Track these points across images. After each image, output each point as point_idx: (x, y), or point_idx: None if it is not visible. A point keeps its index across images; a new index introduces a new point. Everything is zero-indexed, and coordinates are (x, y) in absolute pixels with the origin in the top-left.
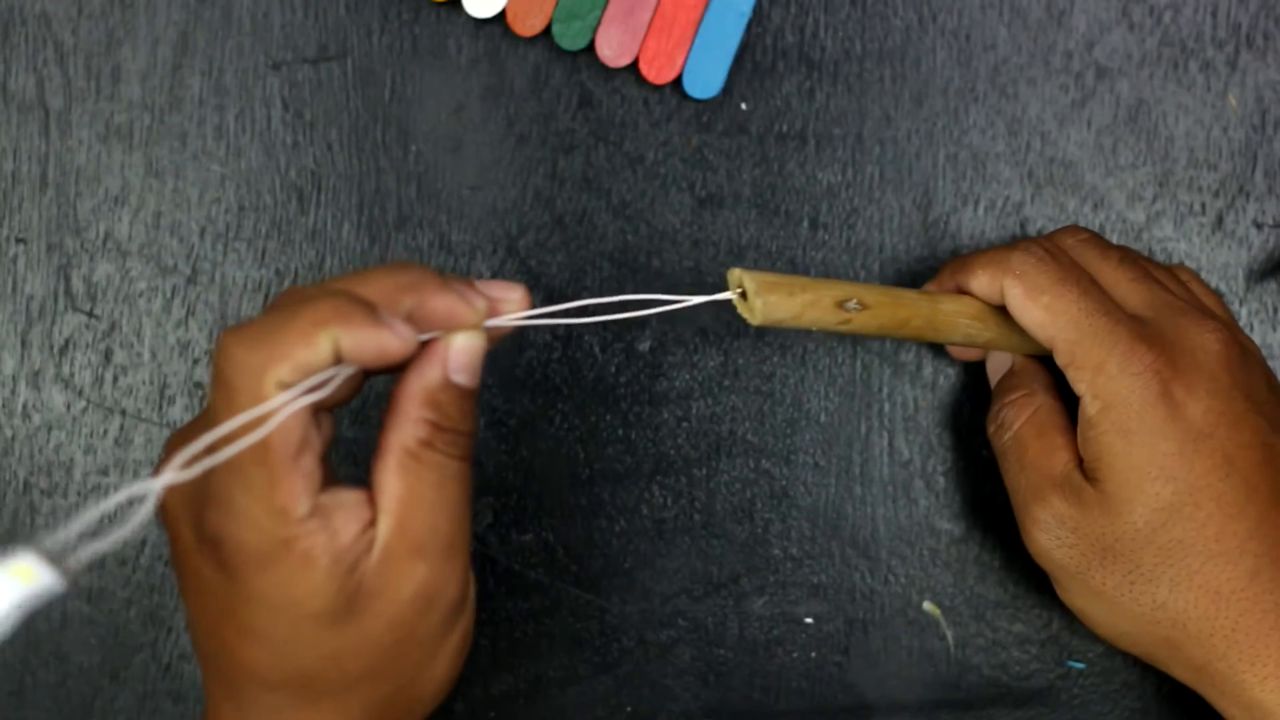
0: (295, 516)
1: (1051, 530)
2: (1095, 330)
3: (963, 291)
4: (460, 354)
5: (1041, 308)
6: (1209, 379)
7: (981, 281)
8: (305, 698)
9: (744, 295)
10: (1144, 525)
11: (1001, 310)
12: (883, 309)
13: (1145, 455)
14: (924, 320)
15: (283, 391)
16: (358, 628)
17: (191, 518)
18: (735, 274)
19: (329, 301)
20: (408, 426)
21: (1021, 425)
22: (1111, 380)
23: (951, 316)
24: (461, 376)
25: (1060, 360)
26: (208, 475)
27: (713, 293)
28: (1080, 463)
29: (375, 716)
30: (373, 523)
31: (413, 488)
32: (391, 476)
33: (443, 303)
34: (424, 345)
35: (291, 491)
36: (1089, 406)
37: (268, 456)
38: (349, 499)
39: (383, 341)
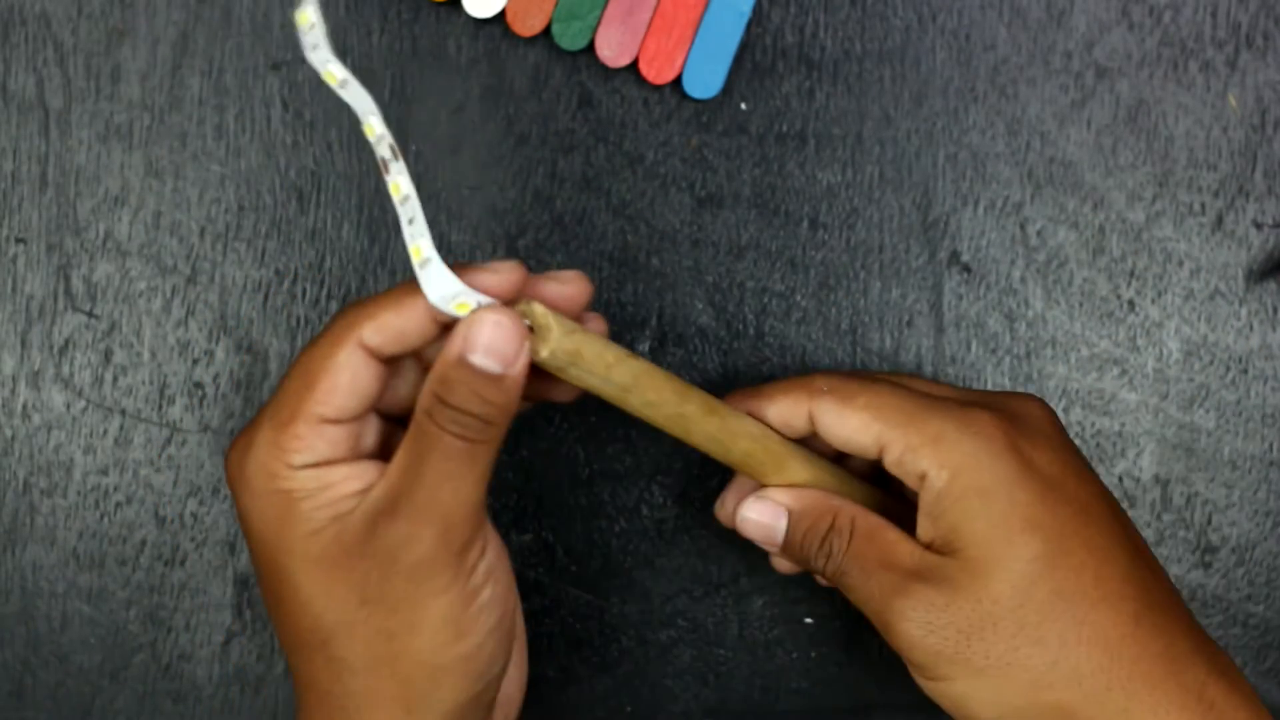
0: (290, 462)
1: (920, 618)
2: (922, 408)
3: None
4: (475, 332)
5: (859, 408)
6: (1046, 435)
7: (782, 407)
8: (326, 654)
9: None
10: (1020, 579)
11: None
12: (662, 382)
13: (1005, 508)
14: (700, 408)
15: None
16: (343, 577)
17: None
18: (536, 309)
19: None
20: (423, 396)
21: (851, 542)
22: (955, 445)
23: (733, 418)
24: (477, 357)
25: (892, 452)
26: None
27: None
28: (928, 546)
29: (383, 679)
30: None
31: (406, 453)
32: (402, 443)
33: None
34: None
35: (296, 439)
36: (936, 479)
37: (297, 407)
38: (364, 464)
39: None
